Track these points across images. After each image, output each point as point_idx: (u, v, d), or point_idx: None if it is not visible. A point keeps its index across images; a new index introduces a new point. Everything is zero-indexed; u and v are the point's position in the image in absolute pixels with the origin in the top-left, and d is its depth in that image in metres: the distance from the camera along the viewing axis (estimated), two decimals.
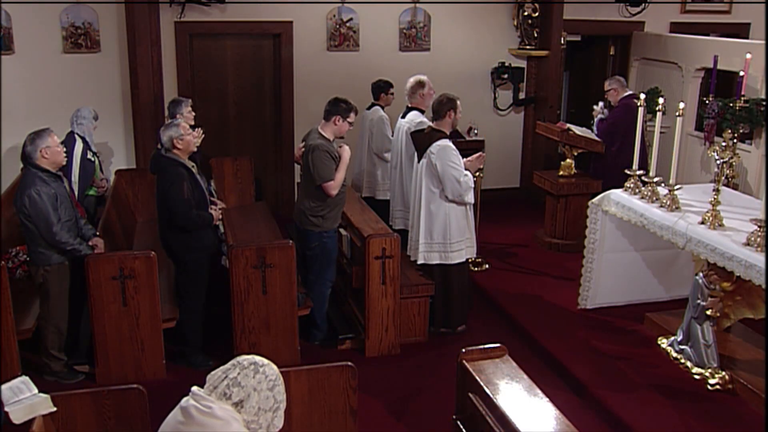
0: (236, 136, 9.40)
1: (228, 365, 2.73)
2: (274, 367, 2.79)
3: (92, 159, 7.27)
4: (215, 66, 9.12)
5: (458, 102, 6.20)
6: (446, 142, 6.07)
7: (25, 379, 3.56)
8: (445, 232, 6.12)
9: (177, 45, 8.73)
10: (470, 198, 6.09)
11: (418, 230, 6.21)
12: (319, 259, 6.11)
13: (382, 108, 8.01)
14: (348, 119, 6.00)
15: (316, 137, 5.96)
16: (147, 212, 7.71)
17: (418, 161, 6.24)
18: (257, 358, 2.76)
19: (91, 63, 8.53)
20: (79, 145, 7.13)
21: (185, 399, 2.72)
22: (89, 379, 5.63)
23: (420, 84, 7.18)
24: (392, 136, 7.84)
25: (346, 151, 5.98)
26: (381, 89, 8.04)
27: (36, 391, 3.51)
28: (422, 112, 7.14)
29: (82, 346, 5.76)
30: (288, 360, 5.68)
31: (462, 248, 6.20)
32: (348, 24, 9.19)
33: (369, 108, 8.05)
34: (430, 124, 6.32)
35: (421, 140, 6.21)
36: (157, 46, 8.53)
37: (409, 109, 7.18)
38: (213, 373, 2.73)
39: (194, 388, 2.74)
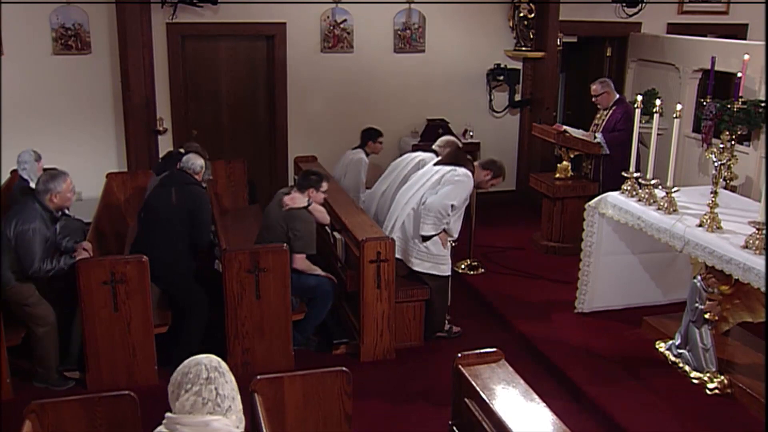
0: (230, 138, 9.34)
1: (197, 387, 2.67)
2: (210, 357, 2.78)
3: None
4: (208, 68, 9.06)
5: (502, 178, 6.40)
6: (470, 176, 6.14)
7: None
8: (416, 236, 6.10)
9: (169, 47, 8.66)
10: (430, 235, 6.04)
11: (396, 222, 6.22)
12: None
13: (367, 155, 7.98)
14: (321, 189, 6.04)
15: (281, 206, 5.97)
16: None
17: (437, 164, 6.35)
18: (206, 362, 2.73)
19: (82, 65, 8.45)
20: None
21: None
22: (80, 385, 5.56)
23: (455, 146, 7.08)
24: (364, 178, 7.89)
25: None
26: (370, 137, 8.01)
27: None
28: None
29: (72, 352, 5.69)
30: (282, 365, 5.64)
31: (428, 262, 6.15)
32: (342, 25, 9.13)
33: (353, 149, 8.01)
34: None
35: (461, 157, 6.28)
36: (149, 47, 8.46)
37: (433, 152, 7.10)
38: (180, 405, 2.67)
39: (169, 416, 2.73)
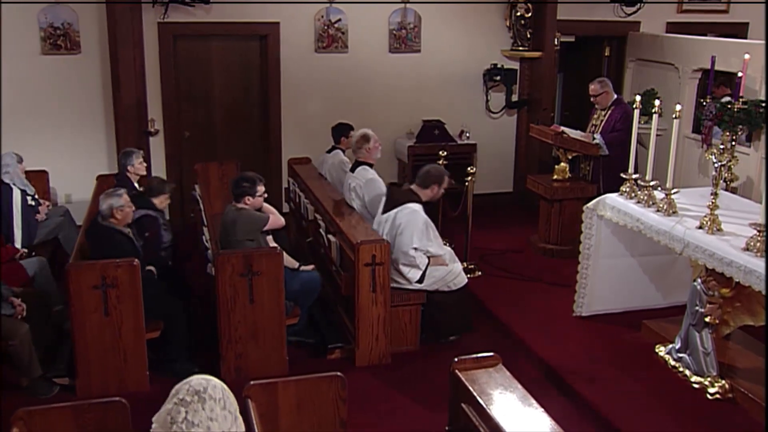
0: (223, 139, 9.27)
1: (170, 405, 2.70)
2: (216, 381, 2.78)
3: (33, 204, 7.03)
4: (200, 68, 8.99)
5: (446, 179, 6.23)
6: (419, 207, 6.06)
7: None
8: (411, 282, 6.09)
9: (160, 47, 8.59)
10: (421, 275, 6.02)
11: None
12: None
13: (343, 152, 7.87)
14: (257, 194, 5.93)
15: (233, 209, 5.91)
16: None
17: (383, 212, 6.22)
18: (194, 383, 2.74)
19: (71, 65, 8.37)
20: (17, 194, 6.86)
21: None
22: (69, 391, 5.47)
23: (365, 138, 6.98)
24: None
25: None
26: (341, 133, 7.88)
27: None
28: (371, 165, 7.00)
29: (62, 357, 5.61)
30: (276, 370, 5.55)
31: (436, 284, 6.11)
32: (336, 25, 9.06)
33: (329, 151, 7.92)
34: (409, 186, 6.30)
35: (399, 195, 6.19)
36: (140, 47, 8.39)
37: (358, 164, 7.01)
38: (158, 416, 2.70)
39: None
